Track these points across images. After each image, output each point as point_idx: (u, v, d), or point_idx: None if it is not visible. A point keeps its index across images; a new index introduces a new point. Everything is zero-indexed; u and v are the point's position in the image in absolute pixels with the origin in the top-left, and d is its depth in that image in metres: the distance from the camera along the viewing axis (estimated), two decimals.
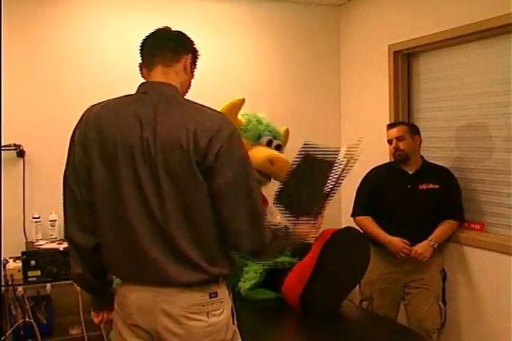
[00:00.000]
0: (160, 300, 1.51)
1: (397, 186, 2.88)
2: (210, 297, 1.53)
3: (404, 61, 3.37)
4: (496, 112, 2.80)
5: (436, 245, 2.79)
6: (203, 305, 1.52)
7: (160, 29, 1.67)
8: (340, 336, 2.11)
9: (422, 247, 2.76)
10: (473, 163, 2.95)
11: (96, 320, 1.80)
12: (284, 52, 3.76)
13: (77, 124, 1.59)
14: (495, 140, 2.83)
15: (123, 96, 1.62)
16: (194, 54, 1.68)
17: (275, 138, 2.88)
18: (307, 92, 3.84)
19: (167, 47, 1.62)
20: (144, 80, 1.64)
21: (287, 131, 3.16)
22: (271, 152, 2.77)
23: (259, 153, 2.72)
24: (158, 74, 1.61)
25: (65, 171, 1.61)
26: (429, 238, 2.79)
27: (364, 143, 3.62)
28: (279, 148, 2.88)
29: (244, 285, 2.45)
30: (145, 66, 1.64)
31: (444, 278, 2.94)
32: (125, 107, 1.56)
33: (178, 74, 1.62)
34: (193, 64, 1.68)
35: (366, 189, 2.99)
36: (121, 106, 1.58)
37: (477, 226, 2.90)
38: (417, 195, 2.83)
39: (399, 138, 2.85)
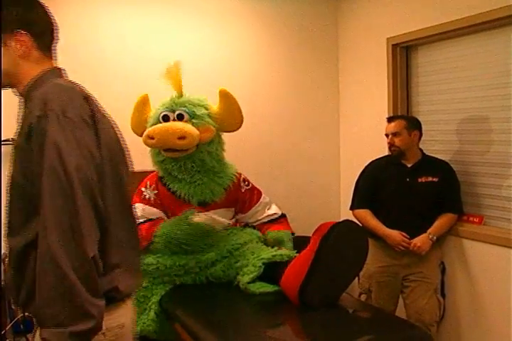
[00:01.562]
0: None
1: (395, 179, 2.88)
2: None
3: (403, 54, 3.35)
4: (495, 105, 2.79)
5: (435, 238, 2.79)
6: None
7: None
8: (339, 329, 2.11)
9: (421, 240, 2.77)
10: (472, 156, 2.94)
11: None
12: (281, 45, 3.74)
13: (81, 101, 1.30)
14: (494, 133, 2.82)
15: (72, 82, 1.39)
16: None
17: (172, 110, 2.66)
18: (305, 86, 3.82)
19: None
20: (52, 65, 1.43)
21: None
22: (149, 129, 2.63)
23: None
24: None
25: (80, 167, 1.21)
26: (428, 231, 2.80)
27: (363, 137, 3.65)
28: (180, 117, 2.65)
29: (243, 278, 2.45)
30: (43, 49, 1.41)
31: (443, 271, 2.94)
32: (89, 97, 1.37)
33: None
34: None
35: (365, 182, 2.99)
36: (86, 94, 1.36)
37: (476, 220, 2.90)
38: (415, 188, 2.83)
39: (394, 134, 2.84)
